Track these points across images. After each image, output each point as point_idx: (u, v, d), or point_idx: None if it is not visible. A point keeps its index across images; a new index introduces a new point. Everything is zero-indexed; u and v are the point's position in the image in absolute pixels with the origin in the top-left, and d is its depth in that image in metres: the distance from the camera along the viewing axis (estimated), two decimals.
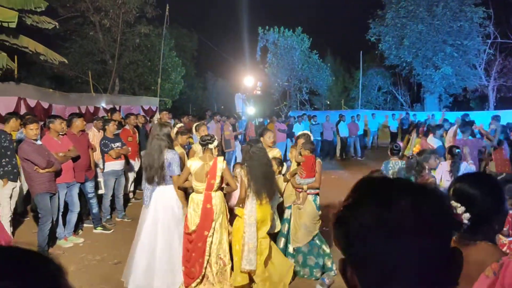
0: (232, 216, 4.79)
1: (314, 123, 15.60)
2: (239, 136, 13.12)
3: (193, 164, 4.60)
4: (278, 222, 5.16)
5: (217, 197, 4.55)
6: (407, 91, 28.69)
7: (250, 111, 21.48)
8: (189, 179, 4.67)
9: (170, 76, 21.66)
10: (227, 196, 4.98)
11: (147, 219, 4.71)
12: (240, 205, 4.57)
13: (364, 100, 28.30)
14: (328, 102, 31.82)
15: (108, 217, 7.24)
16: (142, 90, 20.31)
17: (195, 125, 7.55)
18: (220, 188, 4.67)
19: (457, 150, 5.90)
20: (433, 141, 8.04)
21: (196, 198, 4.58)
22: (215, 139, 4.72)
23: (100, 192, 7.21)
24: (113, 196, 7.30)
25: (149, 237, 4.64)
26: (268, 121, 15.63)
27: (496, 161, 8.13)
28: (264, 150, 4.68)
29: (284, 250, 5.11)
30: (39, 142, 5.66)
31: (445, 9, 20.39)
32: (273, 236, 5.07)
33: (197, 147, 6.82)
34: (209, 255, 4.51)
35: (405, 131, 16.46)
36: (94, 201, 6.76)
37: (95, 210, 6.78)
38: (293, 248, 5.11)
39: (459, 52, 21.06)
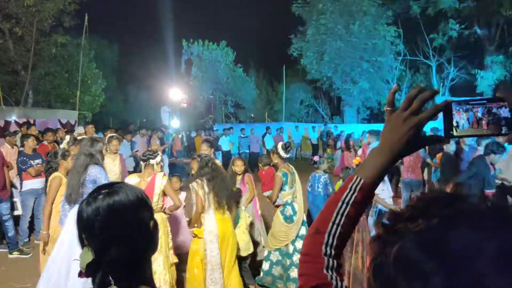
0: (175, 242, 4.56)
1: (243, 136, 15.75)
2: (166, 150, 12.86)
3: (129, 181, 4.24)
4: (250, 244, 4.94)
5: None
6: (327, 104, 29.96)
7: (175, 124, 21.11)
8: None
9: (90, 88, 20.67)
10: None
11: (57, 242, 3.96)
12: (196, 225, 4.17)
13: (288, 113, 29.11)
14: (253, 115, 32.28)
15: (26, 240, 6.64)
16: (59, 103, 19.10)
17: (108, 136, 6.91)
18: (162, 209, 4.29)
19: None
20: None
21: None
22: (157, 154, 4.36)
23: (16, 213, 6.62)
24: (32, 217, 6.71)
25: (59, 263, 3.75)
26: (195, 134, 15.47)
27: None
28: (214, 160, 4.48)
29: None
30: None
31: (361, 27, 21.66)
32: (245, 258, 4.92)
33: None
34: None
35: (325, 143, 17.25)
36: (9, 224, 6.19)
37: (10, 233, 6.20)
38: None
39: (375, 68, 22.51)
